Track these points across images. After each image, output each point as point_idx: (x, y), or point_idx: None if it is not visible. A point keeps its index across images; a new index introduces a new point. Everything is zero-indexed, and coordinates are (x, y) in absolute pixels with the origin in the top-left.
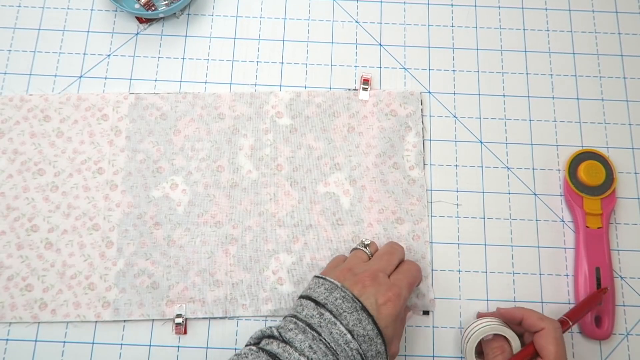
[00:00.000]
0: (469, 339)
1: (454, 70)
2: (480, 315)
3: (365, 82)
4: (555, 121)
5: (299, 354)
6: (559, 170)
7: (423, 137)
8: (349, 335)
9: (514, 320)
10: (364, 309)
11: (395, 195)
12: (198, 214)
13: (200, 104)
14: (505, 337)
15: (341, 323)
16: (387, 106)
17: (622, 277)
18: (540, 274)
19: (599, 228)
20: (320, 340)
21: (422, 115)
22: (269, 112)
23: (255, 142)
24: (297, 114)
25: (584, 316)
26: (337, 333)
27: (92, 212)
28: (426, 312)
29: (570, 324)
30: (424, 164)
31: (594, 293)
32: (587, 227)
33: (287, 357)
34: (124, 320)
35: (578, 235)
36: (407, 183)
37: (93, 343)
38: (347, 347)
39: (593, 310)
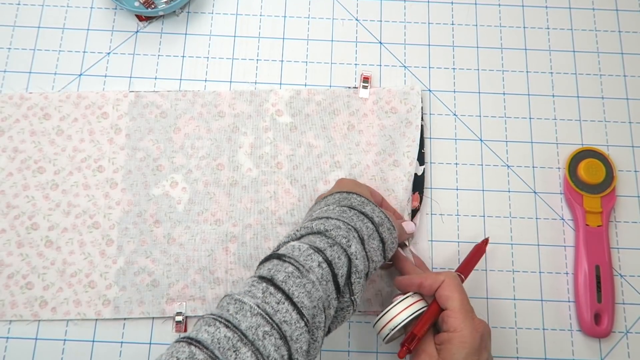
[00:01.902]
0: (390, 333)
1: (454, 68)
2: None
3: (365, 80)
4: (555, 119)
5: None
6: (558, 168)
7: (422, 132)
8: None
9: (413, 288)
10: (326, 196)
11: (395, 194)
12: (198, 212)
13: (200, 102)
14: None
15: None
16: (387, 104)
17: (621, 275)
18: (540, 272)
19: (598, 226)
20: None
21: (423, 114)
22: (269, 110)
23: (255, 140)
24: (297, 112)
25: (472, 269)
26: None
27: (92, 210)
28: None
29: (464, 277)
30: (424, 161)
31: (478, 245)
32: (587, 225)
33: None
34: (124, 318)
35: (578, 233)
36: (407, 180)
37: (93, 341)
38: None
39: (593, 307)
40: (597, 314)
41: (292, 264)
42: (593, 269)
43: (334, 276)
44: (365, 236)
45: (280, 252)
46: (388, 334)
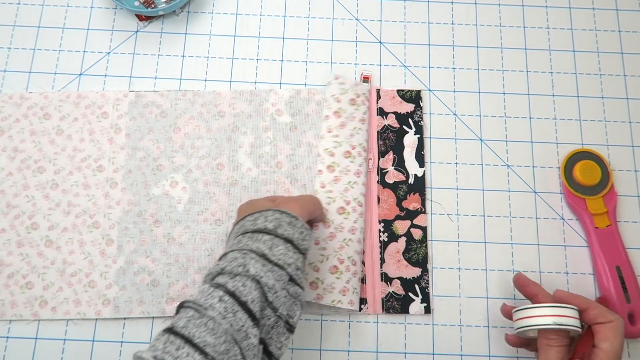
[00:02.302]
0: (531, 325)
1: (454, 68)
2: (521, 281)
3: (365, 79)
4: (555, 119)
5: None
6: (558, 168)
7: (422, 133)
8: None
9: (576, 305)
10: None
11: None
12: (198, 212)
13: (200, 101)
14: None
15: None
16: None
17: None
18: (540, 272)
19: (608, 226)
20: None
21: (422, 113)
22: (269, 110)
23: (255, 139)
24: (297, 112)
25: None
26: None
27: (92, 209)
28: (428, 311)
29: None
30: (424, 162)
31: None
32: (596, 227)
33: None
34: (124, 318)
35: (590, 238)
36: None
37: (93, 340)
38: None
39: (624, 308)
40: (630, 314)
41: (192, 308)
42: (614, 270)
43: (243, 304)
44: (266, 250)
45: (184, 300)
46: (530, 325)
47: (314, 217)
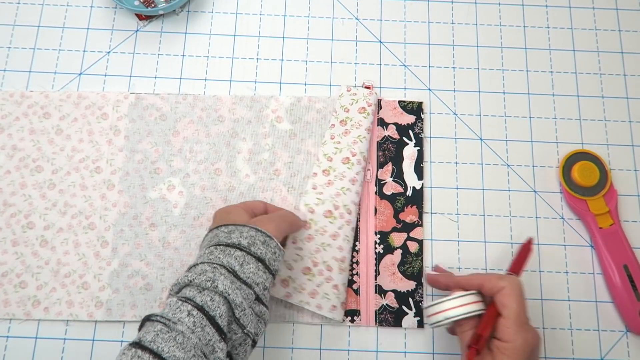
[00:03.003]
0: (442, 321)
1: (454, 68)
2: (432, 280)
3: (367, 89)
4: (555, 118)
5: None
6: (558, 167)
7: (423, 146)
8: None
9: (473, 288)
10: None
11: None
12: (194, 217)
13: (200, 105)
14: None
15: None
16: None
17: None
18: (540, 272)
19: (611, 225)
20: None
21: (422, 117)
22: (269, 117)
23: (254, 146)
24: (297, 119)
25: (525, 266)
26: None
27: (89, 211)
28: (421, 325)
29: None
30: (423, 175)
31: (524, 244)
32: (600, 228)
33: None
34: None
35: (595, 238)
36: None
37: (93, 340)
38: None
39: (636, 306)
40: None
41: (160, 322)
42: (622, 269)
43: (211, 319)
44: (237, 266)
45: (150, 313)
46: (440, 321)
47: (290, 233)
